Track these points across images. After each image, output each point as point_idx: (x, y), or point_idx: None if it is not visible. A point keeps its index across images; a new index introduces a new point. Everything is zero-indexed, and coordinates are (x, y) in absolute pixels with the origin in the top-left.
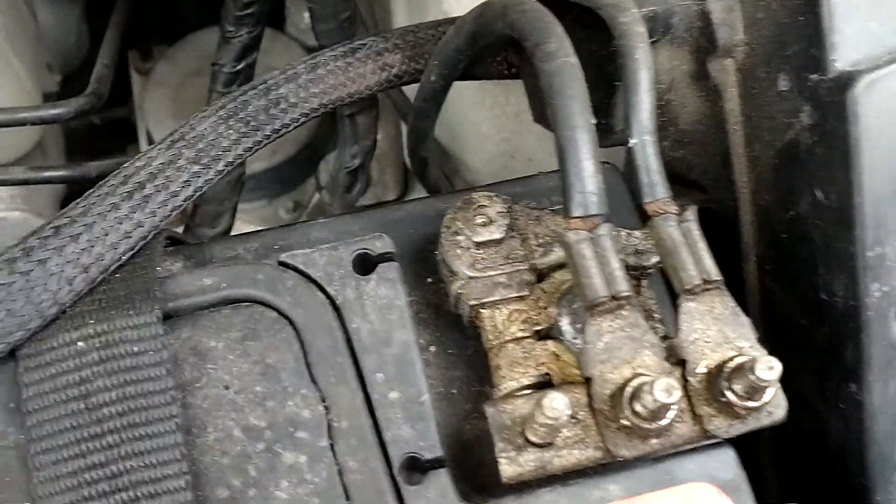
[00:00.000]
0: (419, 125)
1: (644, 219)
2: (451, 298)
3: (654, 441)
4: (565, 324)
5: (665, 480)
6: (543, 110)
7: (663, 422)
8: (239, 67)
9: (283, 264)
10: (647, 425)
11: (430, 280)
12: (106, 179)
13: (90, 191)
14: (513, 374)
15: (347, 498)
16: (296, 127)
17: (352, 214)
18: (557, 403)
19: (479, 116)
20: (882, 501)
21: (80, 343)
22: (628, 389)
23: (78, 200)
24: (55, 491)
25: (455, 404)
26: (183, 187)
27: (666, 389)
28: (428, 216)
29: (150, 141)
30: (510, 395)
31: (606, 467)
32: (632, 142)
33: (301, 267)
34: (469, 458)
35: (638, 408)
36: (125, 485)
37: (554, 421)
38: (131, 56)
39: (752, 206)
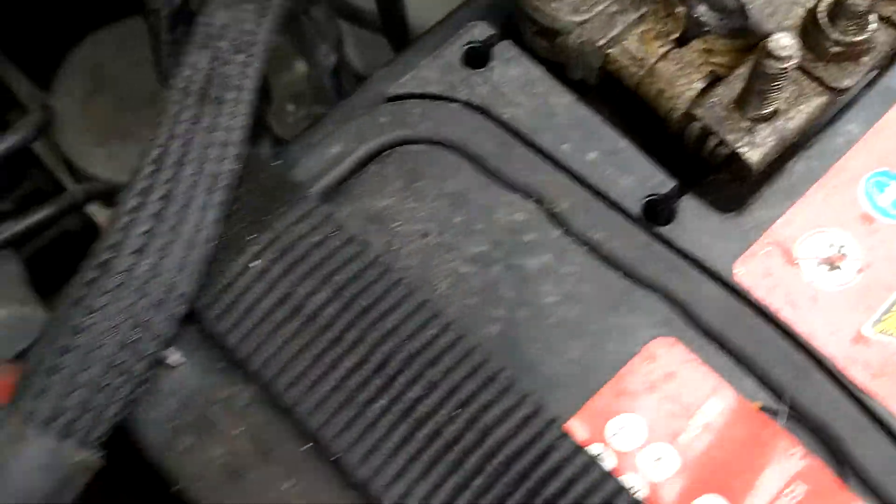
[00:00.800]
0: None
1: None
2: (570, 55)
3: (865, 59)
4: (703, 11)
5: (889, 94)
6: None
7: (869, 29)
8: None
9: (393, 98)
10: (856, 37)
11: None
12: (166, 97)
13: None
14: (680, 90)
15: (614, 265)
16: None
17: (426, 34)
18: (785, 41)
19: None
20: None
21: (252, 264)
22: (821, 14)
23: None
24: (312, 405)
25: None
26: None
27: None
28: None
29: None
30: (698, 100)
31: (836, 113)
32: None
33: (416, 91)
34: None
35: (842, 26)
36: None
37: (789, 61)
38: None
39: None
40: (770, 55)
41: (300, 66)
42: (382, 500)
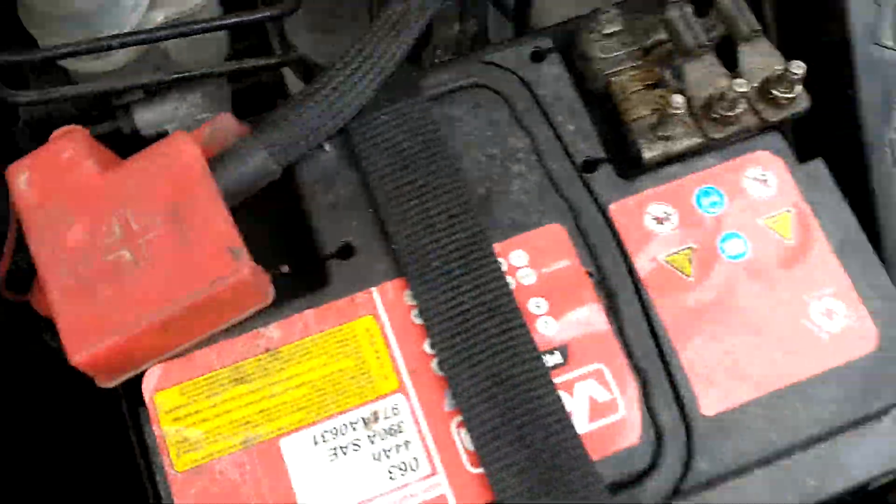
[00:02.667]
0: None
1: (709, 3)
2: (589, 75)
3: (732, 127)
4: (668, 75)
5: (739, 151)
6: None
7: (738, 110)
8: None
9: (486, 62)
10: (728, 113)
11: None
12: (372, 27)
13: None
14: (637, 112)
15: (553, 184)
16: None
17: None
18: (679, 99)
19: None
20: None
21: (383, 117)
22: (715, 95)
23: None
24: (388, 197)
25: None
26: (419, 21)
27: (739, 87)
28: (559, 31)
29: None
30: (639, 118)
31: (706, 148)
32: None
33: (498, 62)
34: (622, 157)
35: (721, 104)
36: (422, 181)
37: (677, 111)
38: None
39: None
40: (670, 105)
41: (455, 27)
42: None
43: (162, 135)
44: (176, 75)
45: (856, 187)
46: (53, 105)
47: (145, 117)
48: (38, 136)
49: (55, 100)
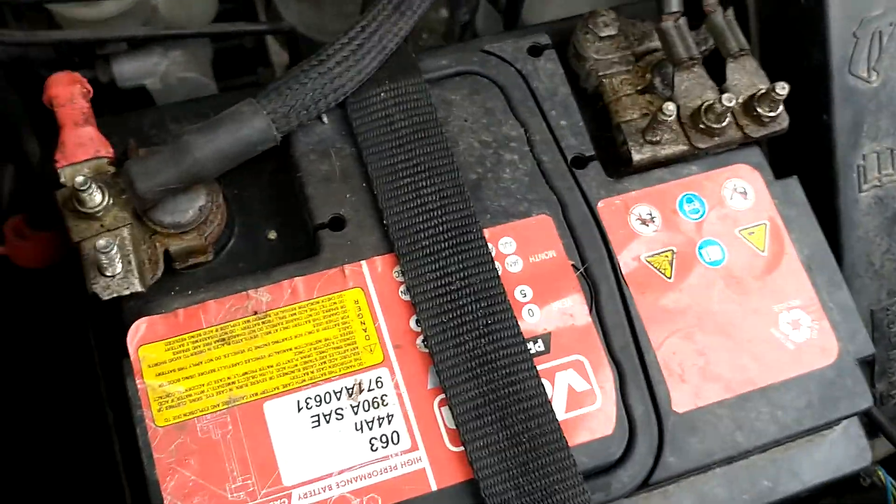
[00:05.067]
0: None
1: (702, 17)
2: (582, 74)
3: (717, 138)
4: (657, 82)
5: (722, 162)
6: None
7: (724, 123)
8: None
9: (485, 51)
10: (715, 125)
11: None
12: (377, 4)
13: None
14: (626, 114)
15: (544, 176)
16: None
17: (511, 31)
18: (671, 107)
19: None
20: None
21: (382, 94)
22: (704, 107)
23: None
24: (382, 173)
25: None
26: (422, 4)
27: (727, 101)
28: (554, 29)
29: None
30: (629, 121)
31: (690, 156)
32: None
33: (497, 52)
34: (609, 156)
35: (709, 116)
36: (416, 160)
37: (668, 118)
38: None
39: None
40: (662, 112)
41: (444, 13)
42: (394, 231)
43: (139, 89)
44: (164, 32)
45: (823, 206)
46: (34, 47)
47: (125, 69)
48: (11, 75)
49: (40, 43)
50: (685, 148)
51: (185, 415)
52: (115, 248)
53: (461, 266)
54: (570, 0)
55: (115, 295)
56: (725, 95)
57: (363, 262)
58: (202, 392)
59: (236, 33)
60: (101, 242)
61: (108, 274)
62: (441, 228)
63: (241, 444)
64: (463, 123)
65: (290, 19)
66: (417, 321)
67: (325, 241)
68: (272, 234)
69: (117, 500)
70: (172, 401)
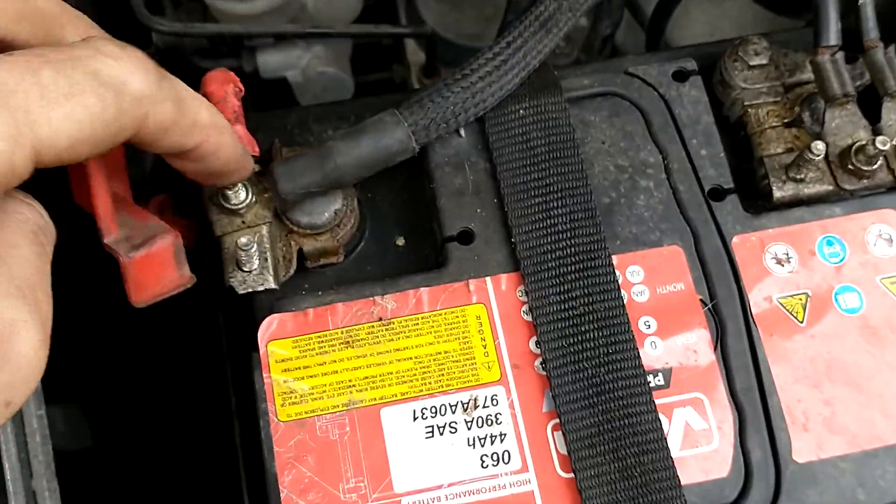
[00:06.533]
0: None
1: (862, 51)
2: (727, 102)
3: (866, 181)
4: (806, 117)
5: (867, 206)
6: None
7: (874, 166)
8: None
9: (629, 74)
10: (865, 167)
11: None
12: (523, 20)
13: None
14: (770, 148)
15: (679, 206)
16: None
17: (656, 51)
18: (819, 146)
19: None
20: None
21: (521, 111)
22: (855, 147)
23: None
24: (514, 191)
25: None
26: (568, 21)
27: (881, 144)
28: (700, 52)
29: None
30: (773, 155)
31: (834, 196)
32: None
33: (641, 75)
34: (746, 189)
35: (859, 157)
36: (550, 180)
37: (816, 157)
38: None
39: None
40: (810, 150)
41: (584, 22)
42: (521, 250)
43: (280, 80)
44: (310, 30)
45: None
46: (189, 37)
47: (269, 61)
48: (165, 61)
49: (195, 34)
50: (830, 188)
51: (306, 412)
52: (255, 245)
53: (586, 291)
54: (715, 18)
55: (250, 290)
56: (880, 138)
57: (488, 279)
58: (324, 392)
59: (379, 35)
60: (244, 240)
61: (246, 269)
62: (569, 251)
63: (356, 446)
64: (600, 146)
65: (429, 19)
66: (537, 343)
67: (453, 253)
68: (400, 241)
69: (233, 482)
70: (296, 397)
